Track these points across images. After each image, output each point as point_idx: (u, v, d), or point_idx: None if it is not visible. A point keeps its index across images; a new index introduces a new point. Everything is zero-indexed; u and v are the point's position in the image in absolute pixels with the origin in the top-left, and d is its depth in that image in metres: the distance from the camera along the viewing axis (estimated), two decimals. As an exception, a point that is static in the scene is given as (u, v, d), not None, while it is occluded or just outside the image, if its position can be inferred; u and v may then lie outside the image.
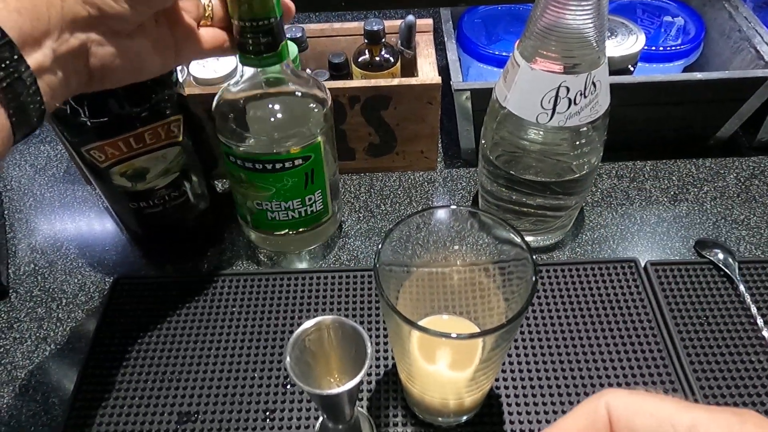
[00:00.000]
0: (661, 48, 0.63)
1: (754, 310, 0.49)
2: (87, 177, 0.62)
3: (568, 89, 0.43)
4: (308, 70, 0.62)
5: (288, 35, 0.59)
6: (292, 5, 0.43)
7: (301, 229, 0.54)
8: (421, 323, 0.42)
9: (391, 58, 0.60)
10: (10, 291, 0.54)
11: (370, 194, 0.61)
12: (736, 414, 0.24)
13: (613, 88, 0.53)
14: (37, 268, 0.56)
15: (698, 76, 0.55)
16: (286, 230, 0.53)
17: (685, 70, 0.66)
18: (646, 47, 0.63)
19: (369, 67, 0.60)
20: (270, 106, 0.48)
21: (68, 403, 0.45)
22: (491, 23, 0.68)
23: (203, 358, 0.48)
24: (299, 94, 0.48)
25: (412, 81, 0.55)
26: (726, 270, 0.52)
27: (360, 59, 0.60)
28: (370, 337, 0.48)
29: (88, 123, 0.42)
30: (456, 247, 0.38)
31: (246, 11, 0.41)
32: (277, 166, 0.48)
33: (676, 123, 0.61)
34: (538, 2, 0.41)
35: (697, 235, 0.56)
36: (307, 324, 0.34)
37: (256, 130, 0.47)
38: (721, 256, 0.53)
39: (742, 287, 0.50)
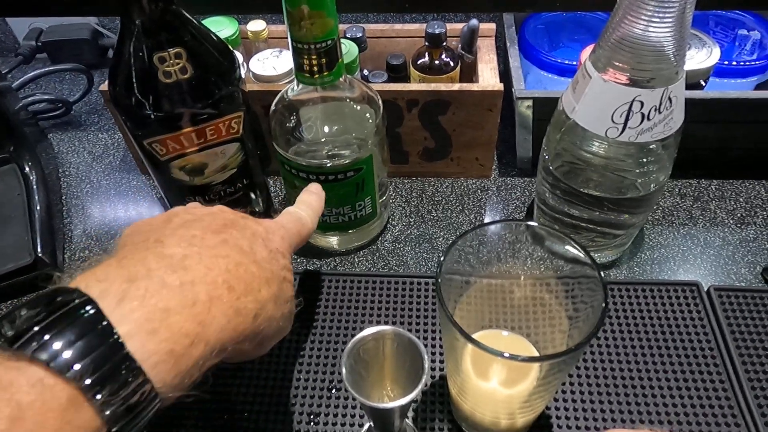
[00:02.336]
0: (734, 63, 0.61)
1: (826, 345, 0.46)
2: (144, 167, 0.63)
3: (642, 104, 0.41)
4: (365, 71, 0.61)
5: (348, 35, 0.59)
6: None
7: (349, 231, 0.53)
8: (477, 337, 0.41)
9: (451, 62, 0.59)
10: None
11: (421, 199, 0.60)
12: None
13: (691, 103, 0.51)
14: (91, 254, 0.57)
15: (777, 94, 0.52)
16: (335, 231, 0.53)
17: (759, 87, 0.63)
18: (719, 61, 0.60)
19: (428, 71, 0.59)
20: (325, 117, 0.48)
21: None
22: (554, 30, 0.66)
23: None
24: (354, 104, 0.47)
25: (473, 87, 0.54)
26: (796, 301, 0.49)
27: (419, 62, 0.59)
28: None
29: (152, 116, 0.42)
30: (516, 262, 0.37)
31: (305, 35, 0.41)
32: (330, 177, 0.48)
33: (747, 142, 0.58)
34: (616, 11, 0.39)
35: (764, 261, 0.53)
36: (365, 333, 0.33)
37: (310, 142, 0.47)
38: (791, 285, 0.50)
39: (814, 320, 0.47)
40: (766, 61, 0.60)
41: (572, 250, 0.34)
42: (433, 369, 0.46)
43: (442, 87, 0.53)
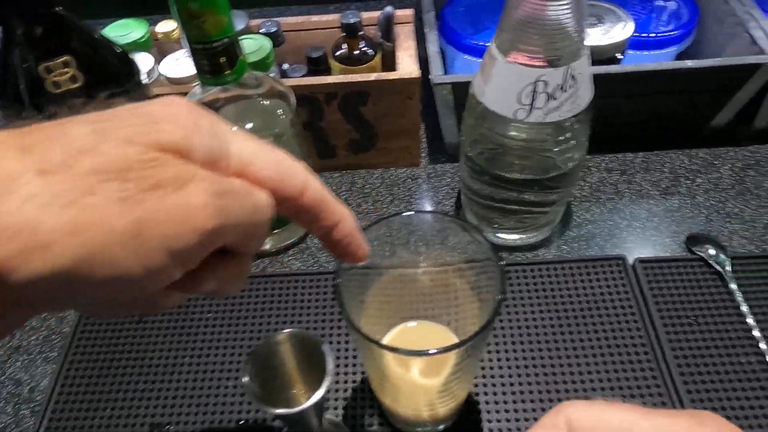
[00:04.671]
0: (652, 34, 0.61)
1: (744, 308, 0.47)
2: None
3: (546, 83, 0.41)
4: (286, 65, 0.60)
5: (263, 30, 0.58)
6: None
7: (275, 231, 0.52)
8: (392, 332, 0.41)
9: (371, 51, 0.58)
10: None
11: (351, 192, 0.60)
12: (695, 416, 0.23)
13: (600, 78, 0.51)
14: None
15: (689, 63, 0.53)
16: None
17: (679, 57, 0.64)
18: (636, 34, 0.60)
19: (347, 61, 0.58)
20: (233, 117, 0.46)
21: (41, 415, 0.44)
22: (477, 12, 0.66)
23: (177, 367, 0.47)
24: (264, 101, 0.46)
25: (390, 76, 0.53)
26: (717, 267, 0.50)
27: (338, 53, 0.58)
28: (339, 343, 0.47)
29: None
30: (425, 249, 0.37)
31: (198, 35, 0.40)
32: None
33: (668, 113, 0.58)
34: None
35: (688, 229, 0.54)
36: (262, 342, 0.32)
37: None
38: (712, 251, 0.51)
39: (733, 285, 0.48)
40: (682, 30, 0.61)
41: (477, 238, 0.34)
42: (362, 364, 0.46)
43: (358, 78, 0.53)
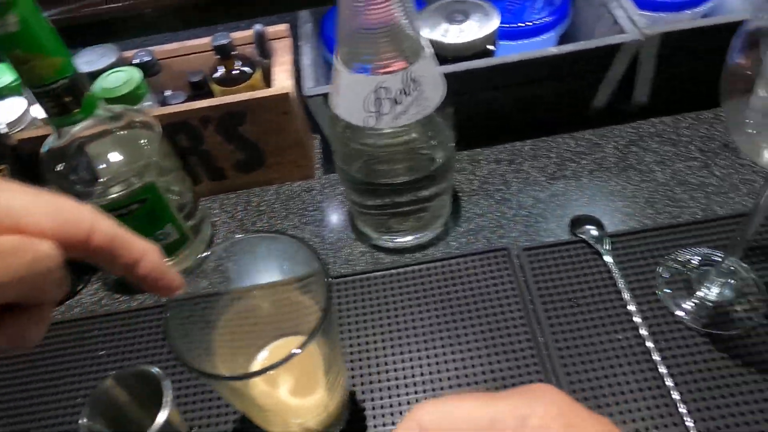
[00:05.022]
0: (528, 23, 0.62)
1: (621, 284, 0.48)
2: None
3: (387, 89, 0.41)
4: (168, 92, 0.60)
5: (136, 61, 0.58)
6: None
7: (168, 260, 0.52)
8: (263, 353, 0.41)
9: (249, 70, 0.59)
10: None
11: (247, 211, 0.60)
12: (528, 392, 0.24)
13: (470, 73, 0.52)
14: None
15: (552, 50, 0.54)
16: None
17: (560, 41, 0.65)
18: (511, 24, 0.61)
19: (226, 82, 0.58)
20: (94, 155, 0.46)
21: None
22: (359, 18, 0.66)
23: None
24: (124, 134, 0.46)
25: (261, 93, 0.53)
26: (596, 246, 0.51)
27: (215, 75, 0.59)
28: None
29: None
30: (264, 269, 0.37)
31: (32, 78, 0.40)
32: (113, 215, 0.46)
33: (549, 99, 0.59)
34: (338, 6, 0.39)
35: (573, 212, 0.55)
36: (101, 383, 0.32)
37: (85, 183, 0.46)
38: (594, 232, 0.52)
39: (610, 262, 0.49)
40: (555, 16, 0.62)
41: (308, 254, 0.34)
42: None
43: (230, 99, 0.53)
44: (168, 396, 0.31)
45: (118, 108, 0.47)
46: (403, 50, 0.41)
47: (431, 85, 0.43)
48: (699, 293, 0.47)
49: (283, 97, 0.53)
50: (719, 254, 0.49)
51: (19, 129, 0.55)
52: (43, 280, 0.22)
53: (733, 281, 0.47)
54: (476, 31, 0.56)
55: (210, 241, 0.57)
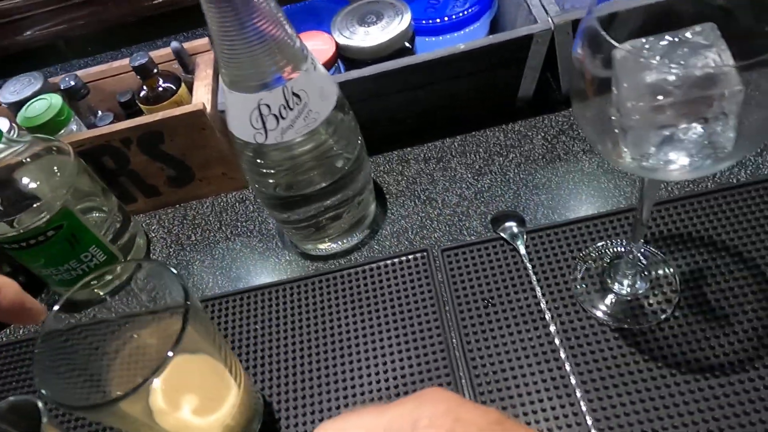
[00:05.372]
0: (453, 16, 0.61)
1: (533, 279, 0.47)
2: None
3: (268, 106, 0.42)
4: (99, 112, 0.61)
5: (63, 86, 0.59)
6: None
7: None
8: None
9: (172, 86, 0.59)
10: None
11: (183, 225, 0.61)
12: (417, 398, 0.25)
13: (382, 76, 0.52)
14: None
15: (461, 47, 0.53)
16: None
17: (490, 31, 0.64)
18: (433, 21, 0.61)
19: (151, 101, 0.59)
20: (4, 187, 0.47)
21: None
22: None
23: None
24: (34, 162, 0.47)
25: (177, 111, 0.54)
26: (514, 243, 0.50)
27: (141, 95, 0.59)
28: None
29: None
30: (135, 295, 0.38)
31: None
32: (31, 242, 0.48)
33: (471, 94, 0.59)
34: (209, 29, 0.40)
35: (497, 209, 0.54)
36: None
37: None
38: (515, 229, 0.51)
39: (525, 259, 0.49)
40: (478, 7, 0.60)
41: (173, 280, 0.35)
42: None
43: (145, 120, 0.53)
44: (44, 421, 0.32)
45: (27, 138, 0.48)
46: (279, 66, 0.40)
47: (317, 96, 0.43)
48: (612, 287, 0.46)
49: (199, 113, 0.54)
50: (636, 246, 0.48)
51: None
52: None
53: (647, 273, 0.46)
54: (390, 30, 0.56)
55: (146, 258, 0.58)
